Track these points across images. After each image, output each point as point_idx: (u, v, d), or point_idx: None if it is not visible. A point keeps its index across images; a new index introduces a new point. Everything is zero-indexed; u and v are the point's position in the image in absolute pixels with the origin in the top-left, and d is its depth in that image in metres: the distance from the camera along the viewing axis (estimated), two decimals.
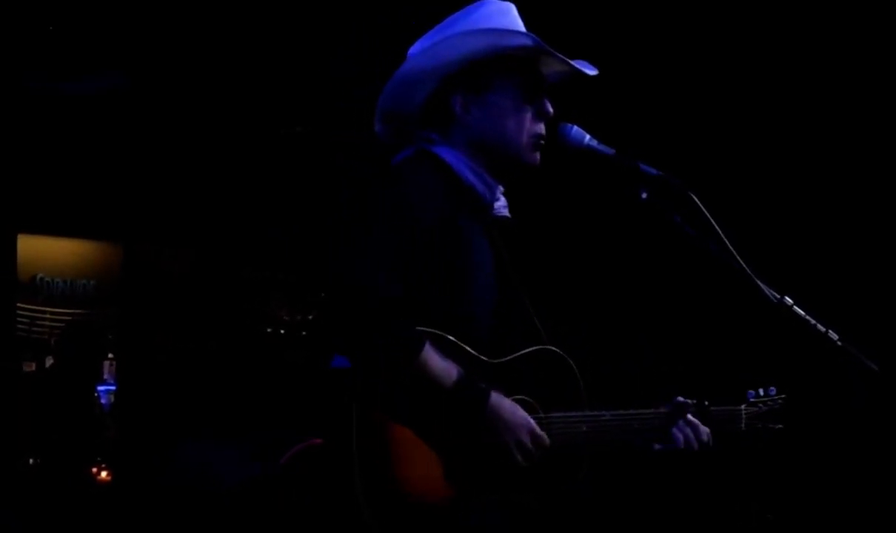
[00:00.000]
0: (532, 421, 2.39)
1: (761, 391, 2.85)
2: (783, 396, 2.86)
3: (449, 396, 2.27)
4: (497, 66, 2.52)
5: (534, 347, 2.53)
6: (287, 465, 2.29)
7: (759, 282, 2.42)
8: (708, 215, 2.39)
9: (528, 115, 2.56)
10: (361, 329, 2.18)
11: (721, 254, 2.41)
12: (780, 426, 2.83)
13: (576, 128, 2.54)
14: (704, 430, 2.67)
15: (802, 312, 2.42)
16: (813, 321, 2.41)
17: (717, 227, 2.39)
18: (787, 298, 2.42)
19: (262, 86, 6.85)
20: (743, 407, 2.82)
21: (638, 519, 5.34)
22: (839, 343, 2.40)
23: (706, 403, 2.70)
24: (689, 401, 2.67)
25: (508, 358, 2.46)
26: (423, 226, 2.35)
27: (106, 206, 8.01)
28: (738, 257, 2.40)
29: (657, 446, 2.64)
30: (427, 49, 2.52)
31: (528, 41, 2.52)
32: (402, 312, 2.22)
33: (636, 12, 5.49)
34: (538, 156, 2.58)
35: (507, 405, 2.36)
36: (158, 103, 7.15)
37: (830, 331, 2.41)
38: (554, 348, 2.55)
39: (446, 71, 2.50)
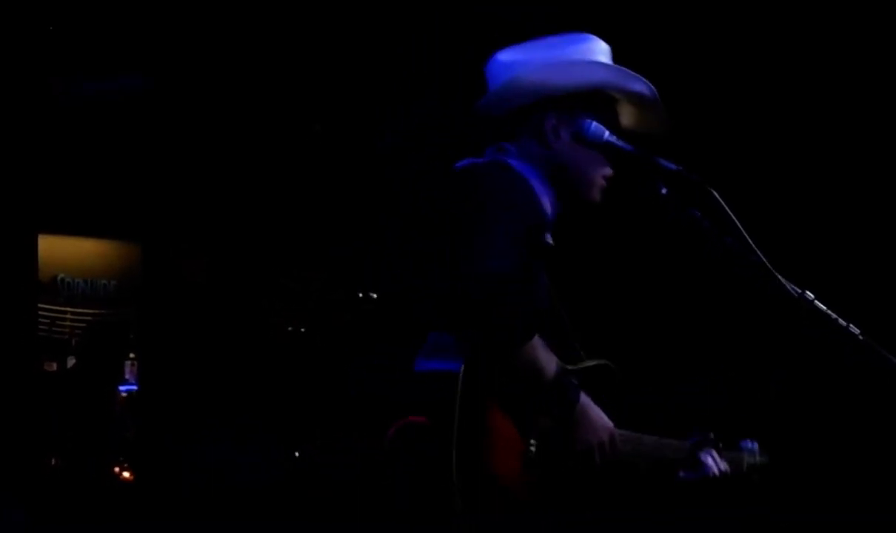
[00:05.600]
0: (614, 427, 2.43)
1: (749, 443, 2.87)
2: (768, 455, 2.89)
3: (548, 386, 2.32)
4: (593, 100, 2.56)
5: (596, 361, 2.57)
6: (391, 439, 2.34)
7: (779, 277, 2.41)
8: (727, 210, 2.39)
9: (605, 155, 2.60)
10: (485, 305, 2.20)
11: (740, 249, 2.41)
12: (758, 479, 2.87)
13: (595, 123, 2.53)
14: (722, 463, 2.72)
15: (824, 307, 2.41)
16: (834, 316, 2.40)
17: (736, 221, 2.39)
18: (808, 293, 2.41)
19: (280, 85, 6.86)
20: (745, 454, 2.86)
21: None
22: (861, 338, 2.39)
23: (719, 443, 2.74)
24: (712, 436, 2.71)
25: (577, 367, 2.51)
26: (528, 223, 2.40)
27: (126, 207, 8.04)
28: (759, 252, 2.39)
29: (682, 474, 2.67)
30: (539, 65, 2.54)
31: (646, 90, 2.60)
32: (523, 293, 2.26)
33: (652, 11, 5.48)
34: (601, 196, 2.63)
35: (594, 407, 2.42)
36: (177, 104, 7.18)
37: (852, 325, 2.40)
38: (611, 365, 2.58)
39: (555, 92, 2.53)
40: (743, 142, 5.52)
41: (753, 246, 2.39)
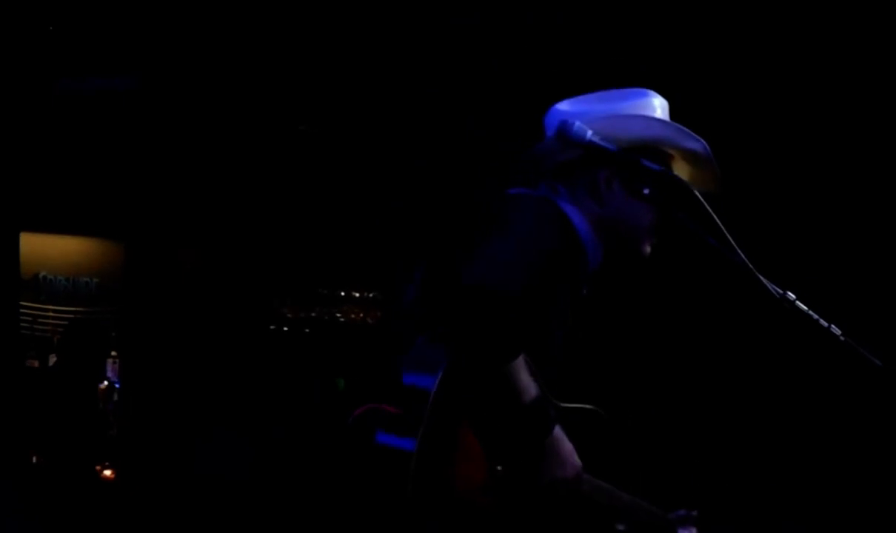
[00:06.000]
0: (582, 470, 2.42)
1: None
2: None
3: (522, 410, 2.30)
4: (648, 154, 2.56)
5: (586, 405, 2.57)
6: (355, 421, 2.34)
7: (761, 277, 2.41)
8: (710, 211, 2.39)
9: (656, 210, 2.62)
10: (473, 315, 2.20)
11: (723, 249, 2.41)
12: None
13: (578, 123, 2.51)
14: None
15: (805, 307, 2.41)
16: (816, 316, 2.41)
17: (719, 222, 2.39)
18: (790, 294, 2.42)
19: (266, 85, 6.86)
20: None
21: None
22: (842, 338, 2.40)
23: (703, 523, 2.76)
24: (695, 514, 2.75)
25: (567, 405, 2.50)
26: (556, 262, 2.40)
27: (108, 204, 8.02)
28: (741, 252, 2.40)
29: None
30: (595, 117, 2.56)
31: (700, 148, 2.62)
32: (516, 315, 2.24)
33: (641, 15, 5.50)
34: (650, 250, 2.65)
35: (566, 443, 2.39)
36: (161, 102, 7.16)
37: (833, 326, 2.41)
38: (601, 412, 2.59)
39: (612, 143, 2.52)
40: (726, 144, 5.53)
41: (735, 246, 2.40)
